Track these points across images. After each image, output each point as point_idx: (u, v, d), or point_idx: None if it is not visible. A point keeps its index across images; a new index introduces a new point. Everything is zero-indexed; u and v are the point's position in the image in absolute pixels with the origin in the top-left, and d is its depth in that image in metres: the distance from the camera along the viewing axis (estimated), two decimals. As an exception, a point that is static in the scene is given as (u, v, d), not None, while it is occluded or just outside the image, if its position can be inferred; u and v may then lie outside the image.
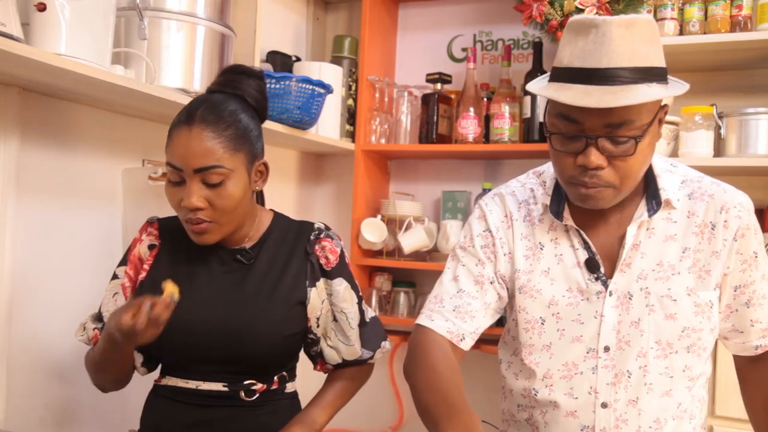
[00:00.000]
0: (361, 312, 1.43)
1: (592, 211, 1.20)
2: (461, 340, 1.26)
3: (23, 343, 1.58)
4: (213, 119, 1.26)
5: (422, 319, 1.28)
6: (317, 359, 1.45)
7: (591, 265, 1.21)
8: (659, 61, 1.09)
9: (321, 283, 1.40)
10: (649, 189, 1.21)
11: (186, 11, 1.64)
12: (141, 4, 1.56)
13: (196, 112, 1.26)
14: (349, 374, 1.44)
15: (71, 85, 1.47)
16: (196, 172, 1.24)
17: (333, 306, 1.41)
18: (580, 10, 2.06)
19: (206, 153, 1.24)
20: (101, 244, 1.79)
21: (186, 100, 1.60)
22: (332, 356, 1.42)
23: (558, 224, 1.25)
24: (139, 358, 1.39)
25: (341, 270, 1.41)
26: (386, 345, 1.47)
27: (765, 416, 1.26)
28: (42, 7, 1.30)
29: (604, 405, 1.20)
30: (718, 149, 2.06)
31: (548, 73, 1.16)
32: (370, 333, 1.44)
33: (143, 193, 1.84)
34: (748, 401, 1.30)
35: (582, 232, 1.23)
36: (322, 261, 1.40)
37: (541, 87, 1.14)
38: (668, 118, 2.11)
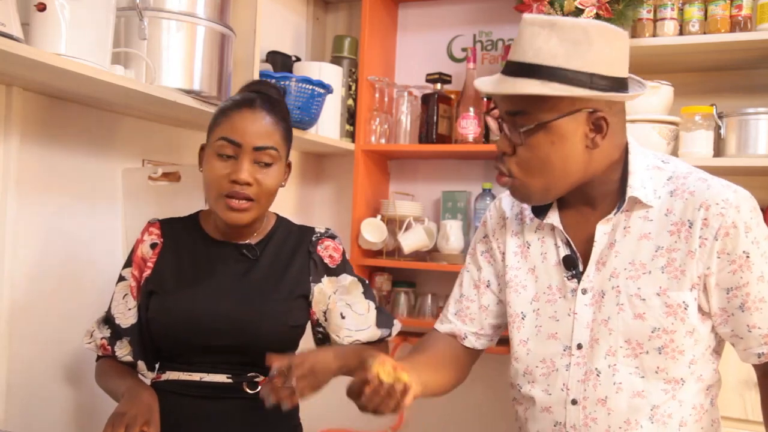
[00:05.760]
0: (372, 298, 1.51)
1: (577, 210, 1.24)
2: (464, 338, 1.37)
3: (23, 342, 1.58)
4: (272, 109, 1.38)
5: (435, 324, 1.41)
6: None
7: (568, 263, 1.23)
8: (575, 65, 1.10)
9: (326, 280, 1.45)
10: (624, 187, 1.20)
11: (186, 11, 1.64)
12: (141, 4, 1.56)
13: (256, 100, 1.37)
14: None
15: (71, 85, 1.47)
16: (255, 150, 1.34)
17: (339, 301, 1.44)
18: (580, 11, 2.05)
19: (268, 134, 1.35)
20: (101, 244, 1.79)
21: (186, 101, 1.61)
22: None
23: (544, 223, 1.27)
24: (142, 366, 1.42)
25: (345, 266, 1.49)
26: (396, 323, 1.54)
27: None
28: (42, 7, 1.30)
29: (574, 402, 1.21)
30: (718, 149, 2.06)
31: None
32: (382, 314, 1.51)
33: (143, 193, 1.84)
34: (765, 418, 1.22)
35: (563, 230, 1.24)
36: (327, 260, 1.46)
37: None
38: (668, 118, 2.11)
